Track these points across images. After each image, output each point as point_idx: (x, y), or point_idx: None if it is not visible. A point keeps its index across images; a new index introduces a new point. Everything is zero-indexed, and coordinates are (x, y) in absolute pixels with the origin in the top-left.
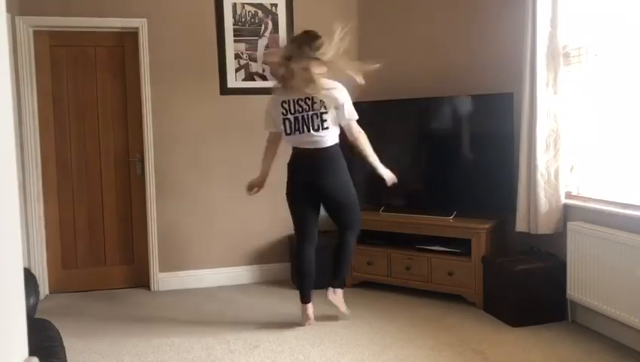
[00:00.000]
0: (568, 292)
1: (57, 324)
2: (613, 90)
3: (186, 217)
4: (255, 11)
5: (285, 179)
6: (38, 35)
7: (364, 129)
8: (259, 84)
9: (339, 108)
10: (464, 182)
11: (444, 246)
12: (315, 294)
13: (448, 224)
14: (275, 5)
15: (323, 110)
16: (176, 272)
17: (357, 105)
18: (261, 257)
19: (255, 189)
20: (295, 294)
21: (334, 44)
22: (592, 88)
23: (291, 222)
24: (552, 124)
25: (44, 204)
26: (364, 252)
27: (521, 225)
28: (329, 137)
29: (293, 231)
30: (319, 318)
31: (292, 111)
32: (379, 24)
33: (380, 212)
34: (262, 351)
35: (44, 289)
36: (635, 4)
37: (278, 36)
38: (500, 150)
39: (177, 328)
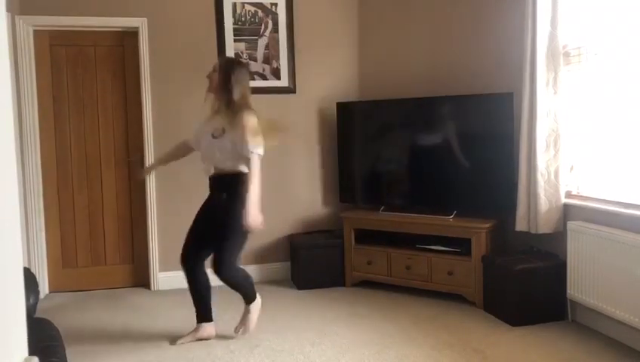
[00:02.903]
0: (568, 291)
1: (57, 324)
2: (613, 89)
3: (186, 216)
4: (255, 11)
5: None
6: (38, 34)
7: (364, 128)
8: (259, 83)
9: None
10: (464, 182)
11: (444, 246)
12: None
13: (448, 223)
14: (275, 5)
15: None
16: (177, 272)
17: (358, 104)
18: (261, 257)
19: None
20: (295, 293)
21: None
22: (592, 88)
23: (292, 222)
24: (552, 124)
25: (44, 203)
26: (364, 251)
27: (521, 225)
28: None
29: (292, 231)
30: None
31: None
32: (379, 24)
33: (380, 211)
34: (262, 351)
35: (44, 288)
36: (635, 4)
37: (278, 36)
38: (500, 150)
39: (177, 327)
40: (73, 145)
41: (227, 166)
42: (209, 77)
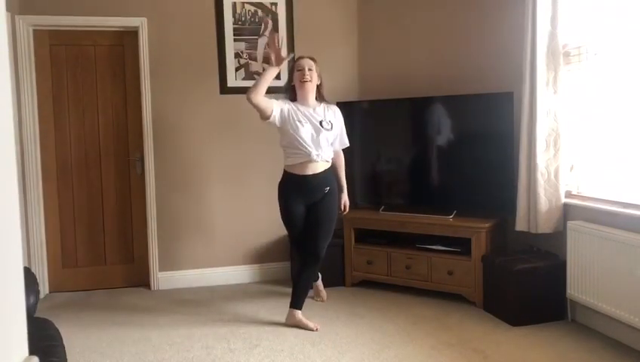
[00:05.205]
0: (568, 291)
1: (57, 323)
2: (613, 89)
3: (186, 216)
4: (255, 10)
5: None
6: (37, 34)
7: (364, 128)
8: None
9: None
10: (464, 182)
11: (444, 246)
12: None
13: (448, 223)
14: (275, 4)
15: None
16: (176, 271)
17: (358, 104)
18: (261, 257)
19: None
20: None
21: None
22: (592, 87)
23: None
24: (552, 123)
25: (44, 203)
26: (365, 251)
27: (521, 225)
28: None
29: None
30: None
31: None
32: (379, 23)
33: (380, 211)
34: (262, 350)
35: (44, 288)
36: (635, 3)
37: (278, 35)
38: (500, 149)
39: (177, 327)
40: (73, 145)
41: (329, 154)
42: (308, 73)
